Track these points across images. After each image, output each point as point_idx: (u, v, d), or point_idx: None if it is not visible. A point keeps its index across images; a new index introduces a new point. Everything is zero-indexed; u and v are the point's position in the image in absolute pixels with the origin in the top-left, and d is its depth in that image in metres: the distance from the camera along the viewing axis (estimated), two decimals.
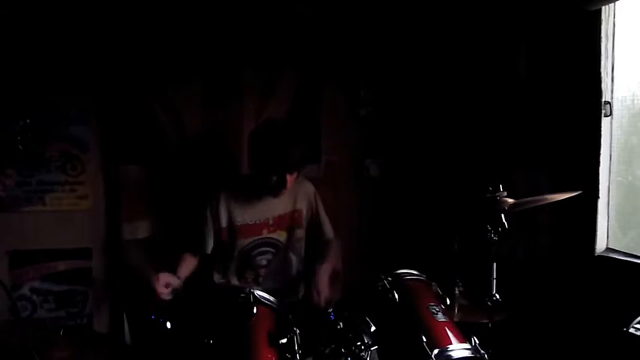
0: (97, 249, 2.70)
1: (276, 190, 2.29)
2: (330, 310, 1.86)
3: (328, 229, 2.52)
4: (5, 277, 2.51)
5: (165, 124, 2.71)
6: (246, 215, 2.38)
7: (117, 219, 2.68)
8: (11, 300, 2.29)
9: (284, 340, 1.73)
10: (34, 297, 2.63)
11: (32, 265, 2.62)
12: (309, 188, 2.50)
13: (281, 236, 2.44)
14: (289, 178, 2.25)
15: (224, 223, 2.37)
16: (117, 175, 2.67)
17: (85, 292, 2.70)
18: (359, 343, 1.73)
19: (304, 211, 2.47)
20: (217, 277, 2.44)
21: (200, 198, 2.46)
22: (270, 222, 2.41)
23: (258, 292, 1.91)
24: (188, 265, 2.34)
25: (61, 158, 2.62)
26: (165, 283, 2.14)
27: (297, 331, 1.77)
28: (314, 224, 2.50)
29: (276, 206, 2.41)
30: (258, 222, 2.39)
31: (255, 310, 1.81)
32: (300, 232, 2.48)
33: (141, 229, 2.71)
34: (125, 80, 2.62)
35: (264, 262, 2.42)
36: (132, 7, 2.58)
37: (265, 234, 2.41)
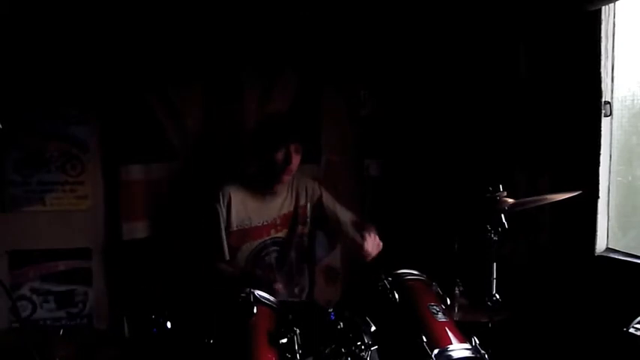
0: (97, 249, 2.70)
1: (283, 168, 2.28)
2: (330, 310, 1.85)
3: (345, 214, 2.46)
4: (5, 277, 2.51)
5: (166, 123, 2.72)
6: (255, 217, 2.39)
7: (117, 219, 2.68)
8: (11, 300, 2.29)
9: (284, 340, 1.73)
10: (34, 297, 2.63)
11: (32, 265, 2.62)
12: (312, 184, 2.52)
13: (283, 233, 2.45)
14: (295, 156, 2.27)
15: (234, 226, 2.37)
16: (117, 175, 2.67)
17: (85, 292, 2.70)
18: (359, 343, 1.73)
19: (308, 208, 2.48)
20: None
21: (201, 198, 2.47)
22: (278, 222, 2.43)
23: (258, 292, 1.91)
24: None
25: (61, 158, 2.63)
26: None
27: (297, 331, 1.77)
28: (325, 217, 2.48)
29: (282, 204, 2.43)
30: (266, 223, 2.41)
31: (255, 310, 1.81)
32: (302, 228, 2.48)
33: (141, 230, 2.71)
34: (125, 79, 2.63)
35: (272, 261, 2.44)
36: (134, 7, 2.58)
37: (273, 234, 2.43)
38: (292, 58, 2.85)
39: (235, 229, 2.37)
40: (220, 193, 2.35)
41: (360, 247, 2.15)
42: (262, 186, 2.39)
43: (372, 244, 2.16)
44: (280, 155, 2.27)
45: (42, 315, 2.65)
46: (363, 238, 2.16)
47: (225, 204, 2.35)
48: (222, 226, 2.35)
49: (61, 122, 2.61)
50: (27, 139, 2.57)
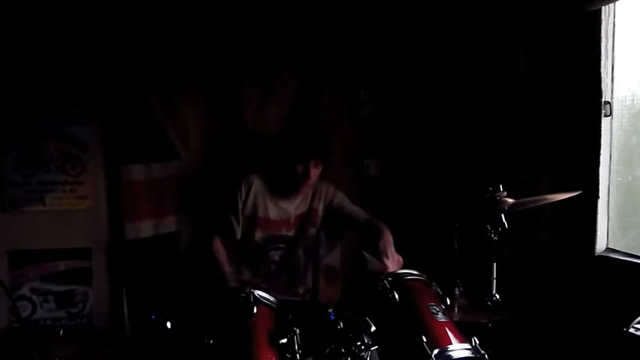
0: (97, 249, 2.70)
1: (300, 182, 2.33)
2: (330, 310, 1.86)
3: (359, 213, 2.52)
4: (5, 277, 2.51)
5: (166, 123, 2.71)
6: (270, 210, 2.42)
7: (118, 219, 2.68)
8: (11, 300, 2.29)
9: (284, 340, 1.73)
10: (34, 297, 2.63)
11: (32, 265, 2.62)
12: (327, 186, 2.53)
13: (292, 232, 2.47)
14: (313, 170, 2.31)
15: (248, 212, 2.40)
16: (118, 175, 2.67)
17: (85, 292, 2.70)
18: (359, 343, 1.73)
19: (320, 211, 2.49)
20: (229, 269, 2.42)
21: (205, 197, 2.47)
22: (291, 220, 2.45)
23: (258, 292, 1.91)
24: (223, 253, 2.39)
25: (61, 158, 2.63)
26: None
27: (297, 331, 1.77)
28: (338, 218, 2.51)
29: (299, 205, 2.46)
30: (279, 219, 2.44)
31: (255, 310, 1.81)
32: (313, 230, 2.49)
33: (144, 229, 2.70)
34: (125, 79, 2.62)
35: (276, 258, 2.46)
36: (134, 7, 2.58)
37: (284, 231, 2.45)
38: (292, 58, 2.85)
39: (249, 215, 2.40)
40: (244, 180, 2.42)
41: (383, 269, 2.15)
42: (283, 189, 2.43)
43: (394, 263, 2.18)
44: (300, 169, 2.32)
45: (42, 315, 2.64)
46: (385, 257, 2.18)
47: (247, 188, 2.40)
48: (240, 207, 2.39)
49: (61, 122, 2.61)
50: (27, 139, 2.57)
